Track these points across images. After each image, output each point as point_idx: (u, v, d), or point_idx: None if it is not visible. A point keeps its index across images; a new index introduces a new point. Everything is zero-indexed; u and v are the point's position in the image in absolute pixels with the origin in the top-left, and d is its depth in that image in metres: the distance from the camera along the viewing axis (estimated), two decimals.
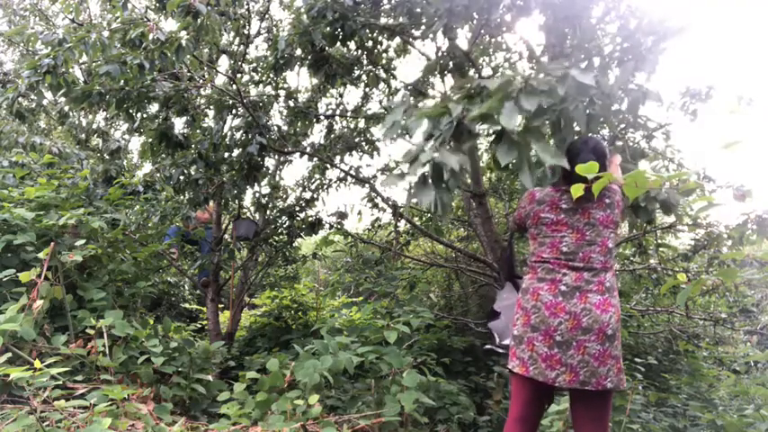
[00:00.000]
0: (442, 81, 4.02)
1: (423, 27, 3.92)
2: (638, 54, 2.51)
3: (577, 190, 1.51)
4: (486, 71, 4.86)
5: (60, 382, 2.54)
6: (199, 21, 3.14)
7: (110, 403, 2.51)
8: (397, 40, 4.80)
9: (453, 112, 1.60)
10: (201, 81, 4.47)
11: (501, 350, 2.56)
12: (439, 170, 1.56)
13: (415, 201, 1.63)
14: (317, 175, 5.85)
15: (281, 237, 5.89)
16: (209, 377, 3.54)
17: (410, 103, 1.79)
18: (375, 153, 5.65)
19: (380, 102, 5.45)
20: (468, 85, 1.72)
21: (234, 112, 4.51)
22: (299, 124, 5.26)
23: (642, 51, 2.51)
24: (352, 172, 5.45)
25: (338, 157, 5.55)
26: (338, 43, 3.93)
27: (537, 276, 2.22)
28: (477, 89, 1.69)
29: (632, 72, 2.46)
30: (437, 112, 1.64)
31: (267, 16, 5.18)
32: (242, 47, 4.90)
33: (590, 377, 2.04)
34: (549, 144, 1.57)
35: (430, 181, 1.60)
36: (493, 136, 1.64)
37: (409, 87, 4.45)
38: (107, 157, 5.28)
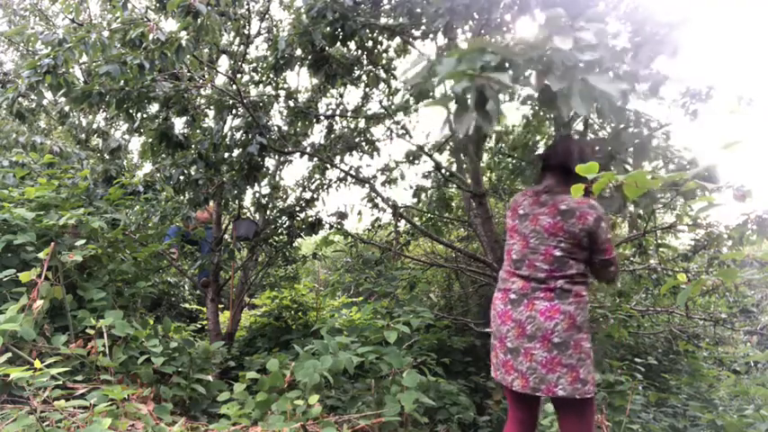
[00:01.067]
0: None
1: (423, 27, 3.92)
2: (655, 39, 2.48)
3: (577, 191, 1.50)
4: None
5: (60, 382, 2.54)
6: (199, 21, 3.14)
7: (110, 403, 2.51)
8: (398, 40, 4.80)
9: (500, 45, 1.52)
10: (201, 81, 4.47)
11: None
12: (482, 96, 1.45)
13: (451, 129, 1.54)
14: (317, 175, 5.85)
15: (281, 237, 5.89)
16: (209, 377, 3.54)
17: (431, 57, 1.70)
18: (375, 153, 5.65)
19: (380, 102, 5.45)
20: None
21: (234, 112, 4.51)
22: (299, 124, 5.26)
23: (659, 38, 2.48)
24: (352, 172, 5.45)
25: (338, 157, 5.55)
26: (338, 43, 3.92)
27: (497, 287, 2.27)
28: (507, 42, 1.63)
29: (651, 56, 2.44)
30: (474, 48, 1.53)
31: (267, 16, 5.19)
32: (242, 47, 4.90)
33: (539, 383, 2.03)
34: (603, 73, 1.49)
35: (469, 104, 1.50)
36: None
37: (409, 87, 4.44)
38: (107, 157, 5.28)
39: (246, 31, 4.73)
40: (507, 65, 1.53)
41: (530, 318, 2.06)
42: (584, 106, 1.47)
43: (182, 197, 4.63)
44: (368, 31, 3.96)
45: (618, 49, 1.52)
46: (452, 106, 1.54)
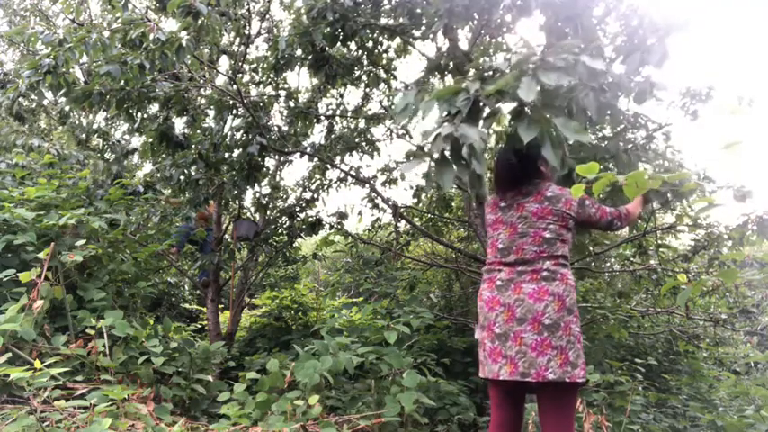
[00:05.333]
0: (442, 82, 4.02)
1: (423, 27, 3.92)
2: (644, 47, 2.50)
3: (578, 190, 1.50)
4: None
5: (60, 382, 2.54)
6: (199, 21, 3.14)
7: (110, 403, 2.51)
8: (398, 40, 4.80)
9: (471, 89, 1.56)
10: (202, 81, 4.47)
11: None
12: (457, 147, 1.49)
13: (434, 183, 1.57)
14: (317, 176, 5.86)
15: (281, 237, 5.89)
16: (210, 377, 3.54)
17: (422, 88, 1.75)
18: (375, 153, 5.65)
19: (380, 102, 5.46)
20: (480, 68, 1.68)
21: (234, 112, 4.52)
22: (299, 124, 5.26)
23: (648, 45, 2.50)
24: (353, 172, 5.46)
25: (338, 158, 5.55)
26: (338, 44, 3.93)
27: (482, 280, 2.28)
28: (491, 70, 1.65)
29: (640, 64, 2.46)
30: (451, 90, 1.59)
31: (267, 17, 5.19)
32: (242, 47, 4.91)
33: (529, 368, 2.00)
34: (570, 120, 1.52)
35: (449, 158, 1.52)
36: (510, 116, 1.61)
37: (409, 87, 4.45)
38: (114, 158, 5.27)
39: (247, 32, 4.73)
40: (482, 105, 1.57)
41: (518, 300, 2.07)
42: (556, 156, 1.52)
43: (182, 197, 4.63)
44: (368, 31, 3.96)
45: (597, 69, 1.54)
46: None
